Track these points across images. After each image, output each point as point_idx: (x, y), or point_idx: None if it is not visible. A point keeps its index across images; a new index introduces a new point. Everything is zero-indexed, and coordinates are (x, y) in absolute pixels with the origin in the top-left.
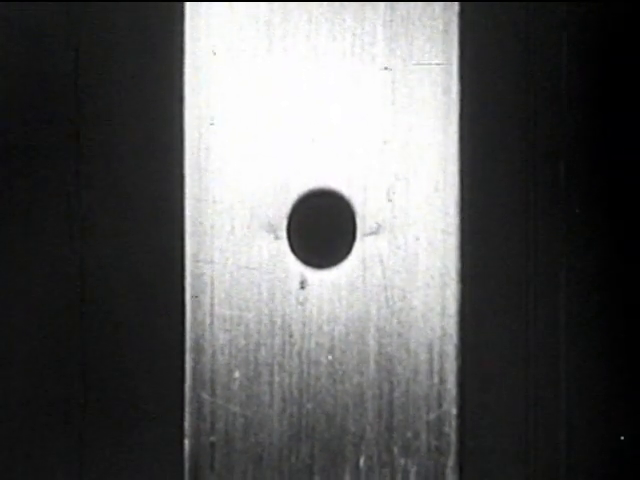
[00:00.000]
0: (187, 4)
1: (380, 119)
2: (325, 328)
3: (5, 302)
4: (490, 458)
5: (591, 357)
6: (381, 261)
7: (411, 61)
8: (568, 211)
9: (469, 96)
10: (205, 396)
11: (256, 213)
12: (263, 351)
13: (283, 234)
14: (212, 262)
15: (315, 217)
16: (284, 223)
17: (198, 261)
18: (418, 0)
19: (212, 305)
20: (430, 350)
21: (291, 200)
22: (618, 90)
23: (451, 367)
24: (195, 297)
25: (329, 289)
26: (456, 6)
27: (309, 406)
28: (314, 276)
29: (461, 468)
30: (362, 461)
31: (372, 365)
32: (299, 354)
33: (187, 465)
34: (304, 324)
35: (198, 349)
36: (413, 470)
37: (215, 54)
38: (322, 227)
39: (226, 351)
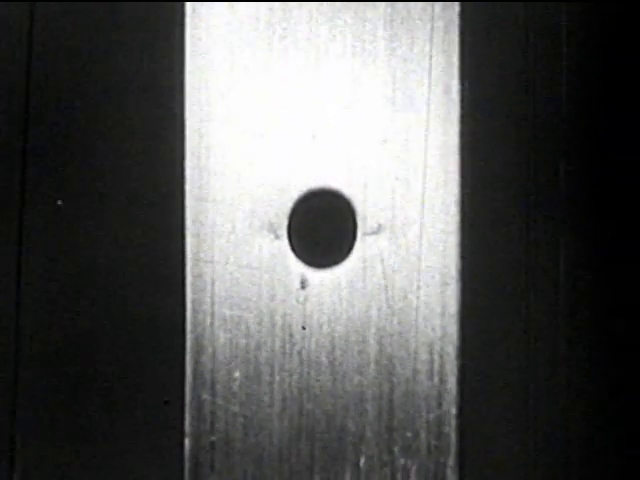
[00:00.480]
0: (187, 4)
1: (380, 119)
2: (325, 328)
3: (5, 302)
4: (490, 458)
5: (591, 357)
6: (382, 261)
7: (411, 61)
8: (568, 211)
9: (469, 96)
10: (205, 396)
11: (256, 213)
12: (263, 351)
13: (283, 234)
14: (212, 262)
15: (315, 217)
16: (284, 223)
17: (198, 261)
18: (418, 0)
19: (212, 305)
20: (430, 350)
21: (291, 200)
22: (618, 90)
23: (451, 367)
24: (195, 298)
25: (329, 289)
26: (456, 6)
27: (309, 406)
28: (314, 276)
29: (461, 468)
30: (362, 461)
31: (372, 365)
32: (299, 354)
33: (187, 465)
34: (304, 324)
35: (198, 349)
36: (413, 470)
37: (213, 55)
38: (322, 227)
39: (226, 351)
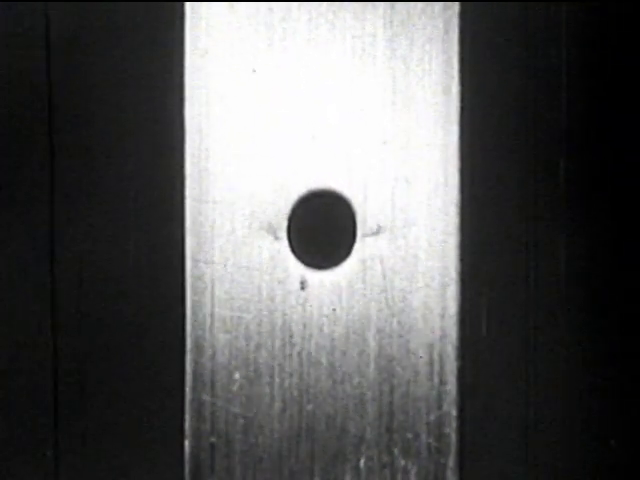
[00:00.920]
0: (187, 4)
1: (380, 119)
2: (325, 329)
3: (4, 302)
4: (490, 458)
5: (591, 357)
6: (381, 262)
7: (411, 61)
8: (568, 211)
9: (469, 96)
10: (205, 397)
11: (256, 213)
12: (263, 352)
13: (283, 234)
14: (212, 262)
15: (315, 217)
16: (284, 223)
17: (198, 261)
18: (418, 0)
19: (212, 306)
20: (430, 351)
21: (291, 200)
22: (618, 90)
23: (451, 368)
24: (195, 298)
25: (329, 290)
26: (456, 6)
27: (309, 407)
28: (314, 277)
29: (461, 468)
30: (362, 462)
31: (372, 366)
32: (299, 355)
33: (187, 466)
34: (304, 325)
35: (198, 350)
36: (413, 471)
37: (208, 53)
38: (322, 228)
39: (226, 352)
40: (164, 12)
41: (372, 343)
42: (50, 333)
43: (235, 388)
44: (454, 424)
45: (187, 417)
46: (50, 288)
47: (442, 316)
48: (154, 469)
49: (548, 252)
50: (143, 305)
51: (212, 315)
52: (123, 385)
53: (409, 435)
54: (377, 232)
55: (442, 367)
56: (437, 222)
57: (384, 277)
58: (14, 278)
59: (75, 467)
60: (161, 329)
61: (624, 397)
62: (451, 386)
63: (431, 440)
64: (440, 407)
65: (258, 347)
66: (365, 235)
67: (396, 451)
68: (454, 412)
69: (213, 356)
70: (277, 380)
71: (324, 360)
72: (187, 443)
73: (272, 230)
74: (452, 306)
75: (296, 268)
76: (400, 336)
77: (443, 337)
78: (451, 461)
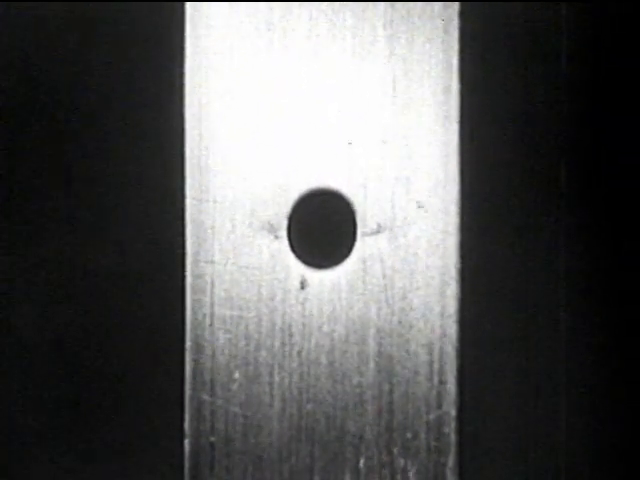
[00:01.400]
0: (187, 4)
1: (380, 119)
2: (325, 328)
3: (5, 303)
4: (490, 458)
5: (591, 357)
6: (381, 261)
7: (411, 61)
8: (568, 211)
9: (469, 96)
10: (205, 396)
11: (256, 213)
12: (263, 351)
13: (283, 234)
14: (212, 262)
15: (315, 217)
16: (284, 223)
17: (198, 261)
18: (418, 0)
19: (212, 305)
20: (430, 350)
21: (291, 200)
22: (618, 90)
23: (451, 368)
24: (195, 298)
25: (329, 289)
26: (456, 6)
27: (309, 407)
28: (314, 276)
29: (461, 468)
30: (362, 462)
31: (372, 365)
32: (299, 354)
33: (187, 465)
34: (304, 324)
35: (198, 349)
36: (413, 471)
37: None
38: (322, 227)
39: (226, 351)
40: (164, 12)
41: (372, 342)
42: (50, 333)
43: (235, 387)
44: (454, 424)
45: (187, 416)
46: (50, 288)
47: (442, 315)
48: (154, 468)
49: (548, 252)
50: (143, 305)
51: (212, 314)
52: (123, 384)
53: (408, 434)
54: (377, 231)
55: (442, 367)
56: (437, 222)
57: (384, 276)
58: (14, 278)
59: (75, 466)
60: (161, 328)
61: (624, 397)
62: (451, 386)
63: (431, 440)
64: (440, 407)
65: (258, 346)
66: (365, 234)
67: (395, 451)
68: (454, 412)
69: (213, 355)
70: (277, 379)
71: (324, 359)
72: (187, 442)
73: (272, 229)
74: (452, 306)
75: (296, 267)
76: (400, 335)
77: (443, 337)
78: (450, 461)
